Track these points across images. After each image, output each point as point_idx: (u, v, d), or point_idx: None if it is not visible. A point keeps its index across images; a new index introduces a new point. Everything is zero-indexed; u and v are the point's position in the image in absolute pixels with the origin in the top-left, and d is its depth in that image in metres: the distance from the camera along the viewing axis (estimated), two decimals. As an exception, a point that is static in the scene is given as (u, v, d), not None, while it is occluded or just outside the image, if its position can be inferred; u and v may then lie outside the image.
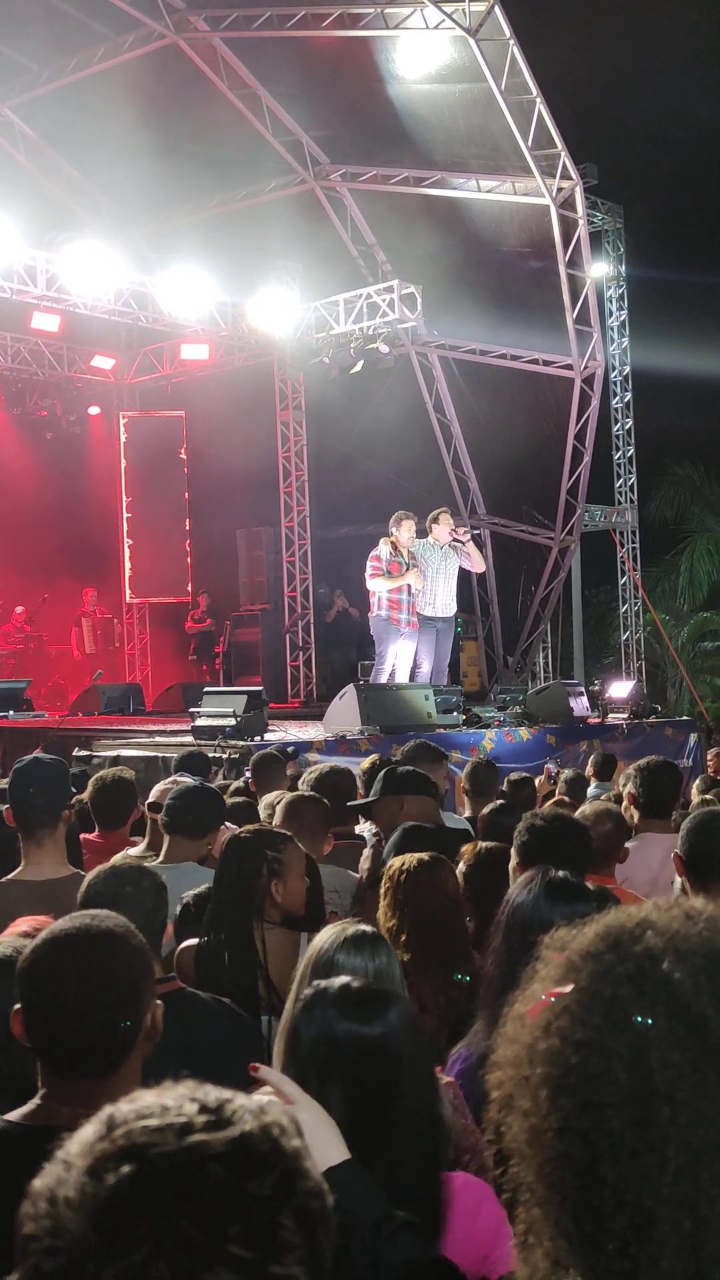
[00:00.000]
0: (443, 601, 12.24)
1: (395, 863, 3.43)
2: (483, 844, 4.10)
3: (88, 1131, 0.84)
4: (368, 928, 2.58)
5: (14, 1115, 2.10)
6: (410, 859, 3.42)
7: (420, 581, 11.86)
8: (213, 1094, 0.86)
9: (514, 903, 2.91)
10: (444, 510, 12.58)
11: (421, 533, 12.22)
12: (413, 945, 3.21)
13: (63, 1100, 2.04)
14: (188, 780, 5.08)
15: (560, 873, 2.93)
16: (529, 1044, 0.91)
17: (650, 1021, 0.86)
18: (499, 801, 6.55)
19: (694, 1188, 0.82)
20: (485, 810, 5.94)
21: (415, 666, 12.14)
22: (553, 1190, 0.86)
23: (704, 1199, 0.82)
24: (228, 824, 4.87)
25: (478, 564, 12.68)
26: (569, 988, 0.90)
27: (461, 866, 3.93)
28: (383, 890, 3.39)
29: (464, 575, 12.81)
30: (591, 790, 8.43)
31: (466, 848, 4.10)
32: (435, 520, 12.23)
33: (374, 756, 7.52)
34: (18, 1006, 2.10)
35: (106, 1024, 2.08)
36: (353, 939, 2.53)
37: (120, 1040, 2.09)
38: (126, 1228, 0.78)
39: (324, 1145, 1.79)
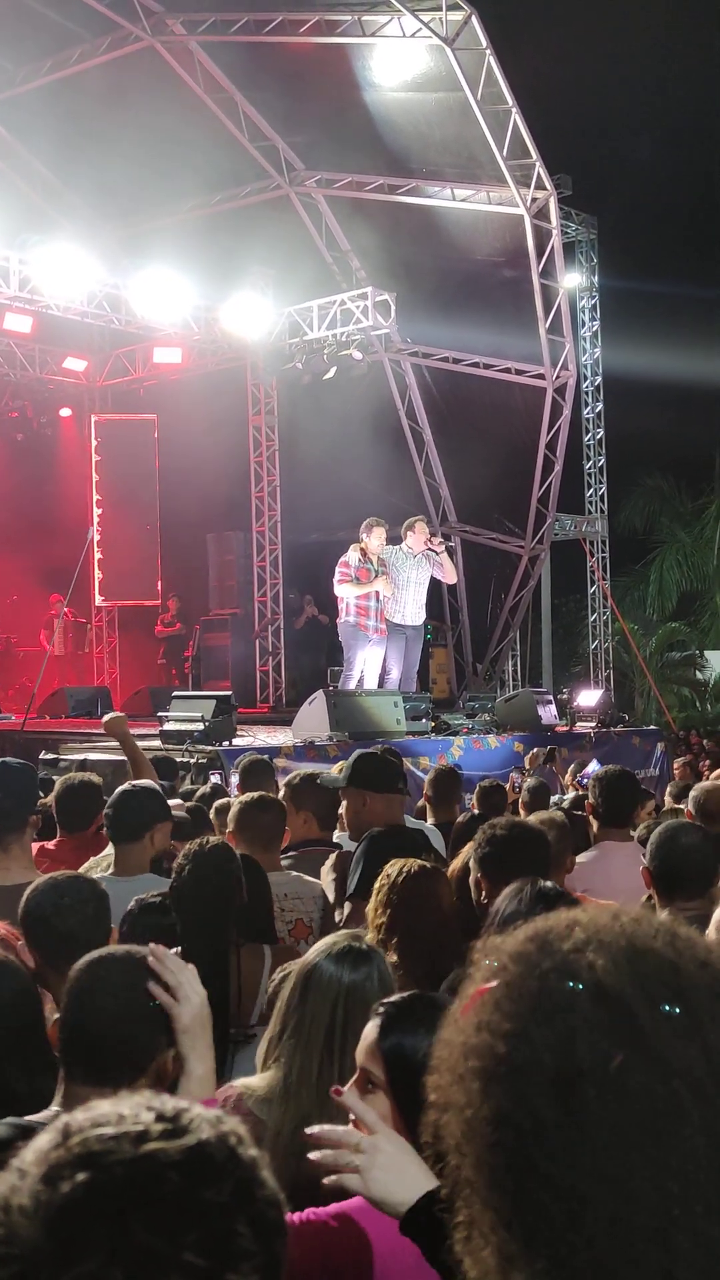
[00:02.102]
0: (411, 610, 12.23)
1: (391, 869, 3.40)
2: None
3: (43, 1140, 0.84)
4: (359, 944, 2.59)
5: (37, 1117, 2.15)
6: (408, 865, 3.39)
7: (389, 588, 11.85)
8: (170, 1103, 0.86)
9: (504, 913, 2.90)
10: (420, 519, 12.56)
11: (395, 539, 12.21)
12: (402, 952, 3.20)
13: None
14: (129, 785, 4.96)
15: (548, 883, 2.93)
16: (461, 1041, 0.92)
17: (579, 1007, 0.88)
18: (474, 811, 6.57)
19: (623, 1167, 0.83)
20: (461, 818, 5.96)
21: (384, 673, 12.14)
22: (492, 1183, 0.87)
23: (634, 1177, 0.83)
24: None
25: (449, 575, 12.66)
26: (496, 983, 0.92)
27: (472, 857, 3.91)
28: (375, 894, 3.38)
29: (434, 582, 12.82)
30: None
31: (466, 848, 4.09)
32: (410, 528, 12.19)
33: (342, 762, 7.52)
34: (57, 1017, 2.25)
35: (141, 1037, 2.20)
36: (338, 951, 2.55)
37: (148, 1053, 2.19)
38: (81, 1235, 0.78)
39: (409, 1175, 1.70)
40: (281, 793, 5.44)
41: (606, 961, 0.90)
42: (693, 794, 5.83)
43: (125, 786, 4.64)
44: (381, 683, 12.04)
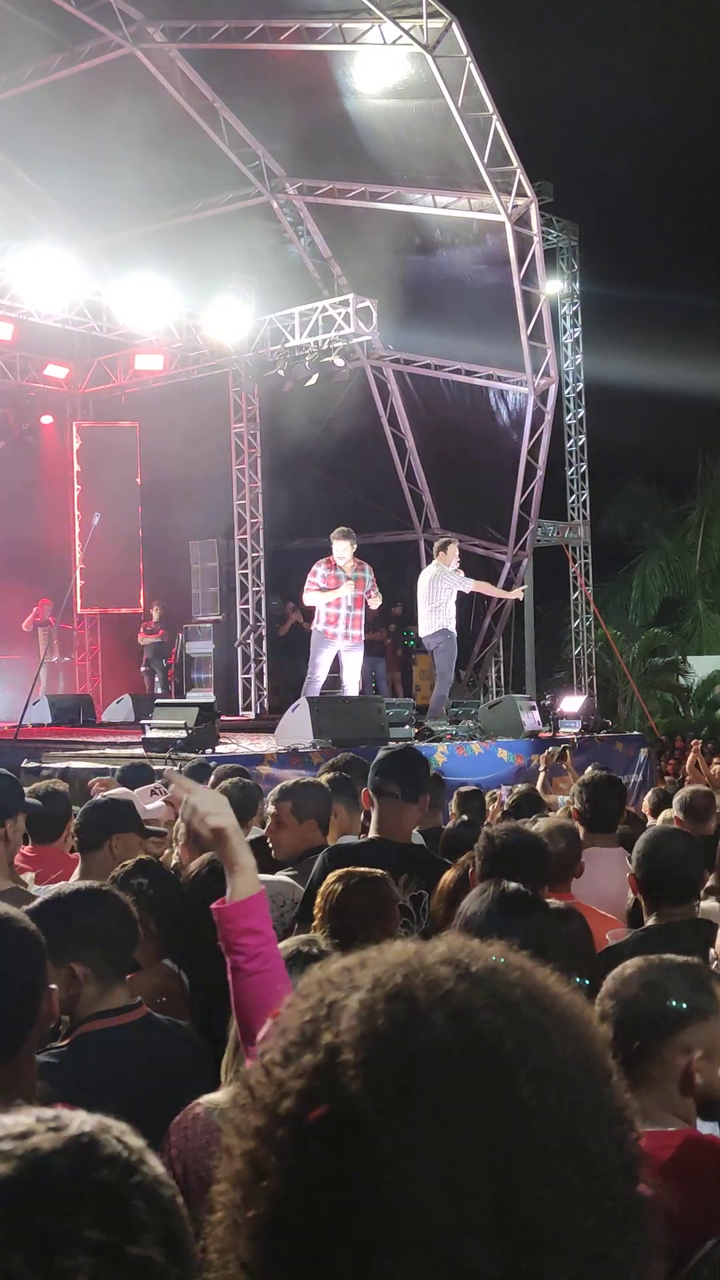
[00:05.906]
0: (446, 615, 12.56)
1: (328, 878, 3.45)
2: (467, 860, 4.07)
3: None
4: (309, 948, 2.58)
5: None
6: (343, 873, 3.41)
7: (354, 594, 11.97)
8: (48, 1111, 0.88)
9: (466, 914, 2.91)
10: (452, 540, 13.04)
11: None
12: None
13: None
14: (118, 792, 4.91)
15: (513, 884, 2.92)
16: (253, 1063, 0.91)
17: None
18: (461, 817, 6.56)
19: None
20: (451, 825, 5.97)
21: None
22: (239, 1220, 0.85)
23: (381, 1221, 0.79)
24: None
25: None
26: (284, 1011, 0.90)
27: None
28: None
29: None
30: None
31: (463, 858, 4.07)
32: (444, 548, 12.67)
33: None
34: None
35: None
36: (285, 957, 2.53)
37: (11, 1029, 2.09)
38: None
39: None
40: (278, 801, 5.20)
41: (349, 1014, 0.85)
42: (677, 797, 5.84)
43: (96, 798, 4.60)
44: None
